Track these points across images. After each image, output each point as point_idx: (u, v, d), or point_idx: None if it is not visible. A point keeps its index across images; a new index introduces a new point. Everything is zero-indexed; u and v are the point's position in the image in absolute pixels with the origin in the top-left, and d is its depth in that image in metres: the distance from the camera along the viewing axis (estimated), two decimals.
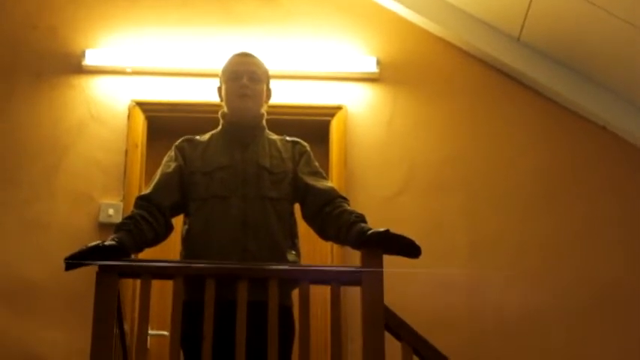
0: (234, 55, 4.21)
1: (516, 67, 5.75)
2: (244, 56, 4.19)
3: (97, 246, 3.57)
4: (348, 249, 4.05)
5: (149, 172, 5.05)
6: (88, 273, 3.57)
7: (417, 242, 3.63)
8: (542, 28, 5.61)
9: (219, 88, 4.19)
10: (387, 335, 3.60)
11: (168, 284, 3.61)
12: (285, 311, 3.81)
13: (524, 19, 5.57)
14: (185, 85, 5.64)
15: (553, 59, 5.75)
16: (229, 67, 4.15)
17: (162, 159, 4.11)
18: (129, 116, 5.56)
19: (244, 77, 4.07)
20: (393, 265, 3.67)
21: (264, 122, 4.13)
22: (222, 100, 4.16)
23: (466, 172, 5.59)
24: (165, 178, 3.97)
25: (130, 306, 5.03)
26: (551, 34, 5.63)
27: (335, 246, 5.13)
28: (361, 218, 3.81)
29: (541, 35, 5.66)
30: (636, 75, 5.56)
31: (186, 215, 4.00)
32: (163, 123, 5.56)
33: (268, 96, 4.19)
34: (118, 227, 3.79)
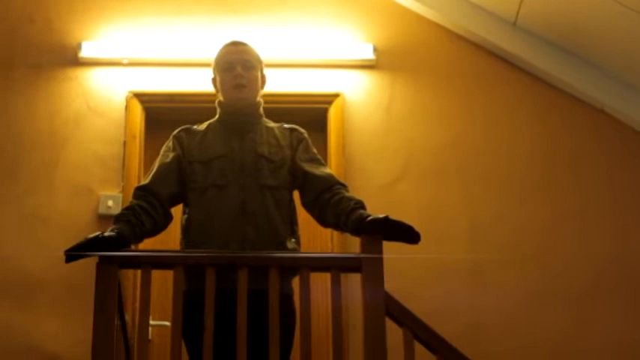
0: (225, 45, 4.17)
1: (513, 51, 5.74)
2: (236, 45, 4.15)
3: (96, 237, 3.56)
4: (349, 236, 4.05)
5: (148, 163, 5.05)
6: (88, 264, 3.57)
7: (417, 228, 3.63)
8: (537, 12, 5.60)
9: (214, 80, 4.16)
10: (389, 321, 3.60)
11: (169, 274, 3.60)
12: (286, 299, 3.80)
13: (520, 3, 5.56)
14: (182, 75, 5.63)
15: (549, 43, 5.74)
16: (222, 58, 4.12)
17: (160, 149, 4.09)
18: (126, 107, 5.56)
19: (238, 67, 4.04)
20: (392, 251, 3.67)
21: (261, 110, 4.12)
22: (217, 92, 4.14)
23: (464, 157, 5.59)
24: (164, 168, 3.96)
25: (131, 297, 5.04)
26: (546, 17, 5.62)
27: (335, 233, 5.14)
28: (360, 205, 3.81)
29: (537, 19, 5.66)
30: (633, 57, 5.56)
31: (186, 205, 3.99)
32: (161, 113, 5.55)
33: (263, 82, 4.16)
34: (117, 218, 3.78)
